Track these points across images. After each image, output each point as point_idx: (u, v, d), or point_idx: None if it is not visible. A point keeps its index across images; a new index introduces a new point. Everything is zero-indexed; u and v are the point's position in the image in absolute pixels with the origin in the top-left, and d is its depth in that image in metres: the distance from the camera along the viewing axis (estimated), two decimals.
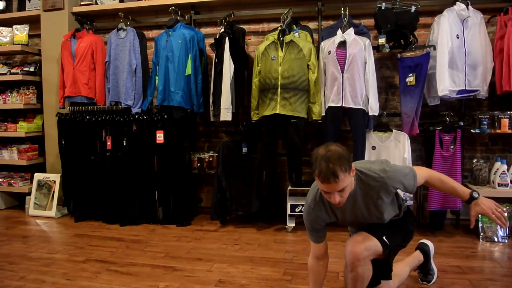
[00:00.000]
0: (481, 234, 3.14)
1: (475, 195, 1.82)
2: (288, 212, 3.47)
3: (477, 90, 3.20)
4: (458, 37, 3.17)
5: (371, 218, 1.88)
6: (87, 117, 3.80)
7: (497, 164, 3.26)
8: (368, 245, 1.81)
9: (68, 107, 3.96)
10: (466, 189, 1.86)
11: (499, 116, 3.23)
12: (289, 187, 3.53)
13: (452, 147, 3.22)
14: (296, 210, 3.44)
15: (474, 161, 3.43)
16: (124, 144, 3.71)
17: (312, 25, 3.74)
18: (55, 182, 4.07)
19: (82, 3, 4.18)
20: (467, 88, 3.18)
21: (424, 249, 2.35)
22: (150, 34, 4.17)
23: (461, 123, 3.27)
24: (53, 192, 4.05)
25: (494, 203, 1.82)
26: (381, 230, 1.88)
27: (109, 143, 3.73)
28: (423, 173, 1.86)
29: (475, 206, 1.82)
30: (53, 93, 4.15)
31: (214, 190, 3.65)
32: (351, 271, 1.84)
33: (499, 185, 3.20)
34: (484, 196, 1.84)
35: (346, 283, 2.02)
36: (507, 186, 3.18)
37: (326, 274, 2.00)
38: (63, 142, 3.92)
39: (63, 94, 3.95)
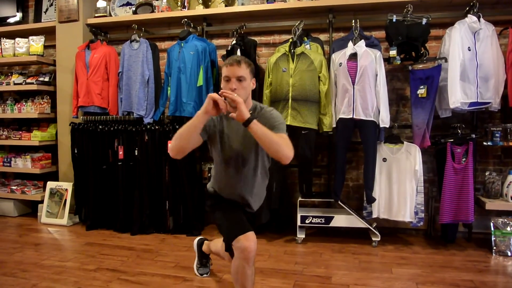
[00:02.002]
0: (494, 248, 3.10)
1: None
2: (298, 223, 3.46)
3: (489, 103, 3.18)
4: (469, 50, 3.17)
5: (250, 152, 2.09)
6: (100, 126, 3.85)
7: (510, 177, 3.23)
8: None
9: (81, 117, 4.02)
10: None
11: None
12: (299, 198, 3.52)
13: (464, 159, 3.19)
14: (307, 221, 3.44)
15: (486, 173, 3.40)
16: (136, 153, 3.75)
17: (323, 37, 3.77)
18: (67, 190, 4.12)
19: (96, 15, 4.26)
20: (479, 101, 3.17)
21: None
22: (162, 45, 4.23)
23: (473, 136, 3.24)
24: (65, 200, 4.09)
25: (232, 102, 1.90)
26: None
27: (121, 152, 3.77)
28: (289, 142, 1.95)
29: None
30: (67, 103, 4.22)
31: None
32: (247, 266, 1.93)
33: None
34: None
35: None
36: None
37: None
38: (75, 151, 3.97)
39: (76, 104, 4.01)
